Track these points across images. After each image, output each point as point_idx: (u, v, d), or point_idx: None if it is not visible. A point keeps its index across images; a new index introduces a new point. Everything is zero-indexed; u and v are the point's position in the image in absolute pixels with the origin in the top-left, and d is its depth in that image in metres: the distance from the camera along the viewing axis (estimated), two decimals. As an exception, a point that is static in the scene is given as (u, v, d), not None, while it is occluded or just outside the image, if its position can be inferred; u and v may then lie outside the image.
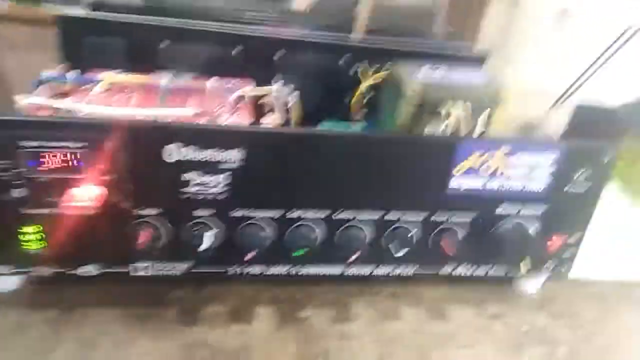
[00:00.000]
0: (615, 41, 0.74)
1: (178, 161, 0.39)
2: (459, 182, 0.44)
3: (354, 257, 0.43)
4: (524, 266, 0.47)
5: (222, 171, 0.40)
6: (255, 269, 0.45)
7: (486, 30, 0.84)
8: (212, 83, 0.50)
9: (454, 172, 0.43)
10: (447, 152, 0.43)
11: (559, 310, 0.51)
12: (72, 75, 0.48)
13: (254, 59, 0.57)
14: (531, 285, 0.52)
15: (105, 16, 0.57)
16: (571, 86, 0.78)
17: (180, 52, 0.56)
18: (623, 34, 0.72)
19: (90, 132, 0.37)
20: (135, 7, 0.62)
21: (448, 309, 0.49)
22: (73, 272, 0.42)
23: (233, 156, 0.40)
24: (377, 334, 0.45)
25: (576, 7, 0.78)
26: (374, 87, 0.57)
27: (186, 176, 0.40)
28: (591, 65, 0.76)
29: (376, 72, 0.57)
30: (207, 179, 0.40)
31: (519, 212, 0.46)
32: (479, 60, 0.63)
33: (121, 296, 0.44)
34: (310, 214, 0.43)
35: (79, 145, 0.37)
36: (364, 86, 0.57)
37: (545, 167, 0.45)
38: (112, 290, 0.44)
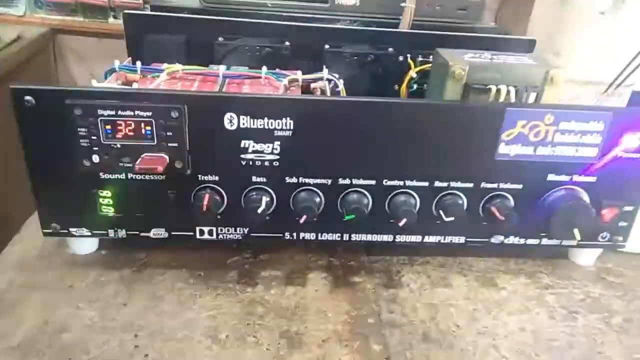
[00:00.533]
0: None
1: (237, 129, 0.42)
2: (508, 148, 0.44)
3: (403, 221, 0.45)
4: (577, 235, 0.47)
5: (277, 139, 0.43)
6: (310, 235, 0.47)
7: (535, 23, 0.83)
8: (265, 71, 0.53)
9: (503, 137, 0.44)
10: (493, 118, 0.43)
11: (614, 282, 0.50)
12: (139, 65, 0.53)
13: (303, 52, 0.60)
14: (587, 257, 0.52)
15: (165, 14, 0.62)
16: (622, 72, 0.75)
17: (233, 47, 0.60)
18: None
19: (158, 101, 0.41)
20: (192, 9, 0.67)
21: (499, 278, 0.49)
22: (145, 234, 0.46)
23: (286, 124, 0.42)
24: (427, 299, 0.46)
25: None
26: (423, 73, 0.58)
27: (245, 143, 0.43)
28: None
29: (425, 58, 0.59)
30: (263, 146, 0.43)
31: (571, 179, 0.46)
32: (526, 47, 0.63)
33: (187, 259, 0.47)
34: (361, 181, 0.45)
35: (149, 114, 0.41)
36: (413, 71, 0.59)
37: (596, 134, 0.44)
38: (179, 254, 0.48)
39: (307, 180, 0.45)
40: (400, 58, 0.61)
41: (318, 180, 0.45)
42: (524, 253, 0.52)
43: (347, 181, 0.45)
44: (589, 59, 0.75)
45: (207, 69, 0.54)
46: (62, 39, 1.05)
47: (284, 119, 0.42)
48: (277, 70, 0.54)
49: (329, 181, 0.45)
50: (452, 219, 0.46)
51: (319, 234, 0.47)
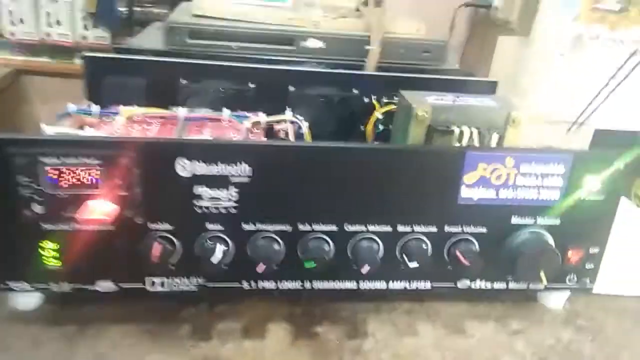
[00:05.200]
0: (622, 66, 0.73)
1: (190, 176, 0.40)
2: (471, 191, 0.44)
3: (366, 268, 0.43)
4: (543, 278, 0.46)
5: (234, 185, 0.41)
6: (270, 284, 0.45)
7: (497, 64, 0.85)
8: (227, 113, 0.52)
9: (465, 180, 0.43)
10: (454, 161, 0.43)
11: (584, 325, 0.49)
12: (95, 108, 0.51)
13: (268, 94, 0.60)
14: (556, 299, 0.51)
15: (126, 56, 0.61)
16: (584, 111, 0.77)
17: (196, 90, 0.59)
18: (630, 57, 0.72)
19: (107, 149, 0.39)
20: (156, 51, 0.66)
21: (467, 324, 0.48)
22: (91, 288, 0.43)
23: (243, 170, 0.41)
24: (394, 349, 0.44)
25: (588, 34, 0.77)
26: (389, 114, 0.58)
27: (199, 190, 0.41)
28: (602, 90, 0.75)
29: (390, 100, 0.59)
30: (218, 193, 0.41)
31: (535, 221, 0.45)
32: (489, 88, 0.64)
33: (136, 312, 0.44)
34: (322, 226, 0.44)
35: (96, 162, 0.39)
36: (378, 112, 0.59)
37: (557, 177, 0.44)
38: (128, 307, 0.45)
39: (265, 227, 0.43)
40: (366, 100, 0.61)
41: (277, 227, 0.43)
42: (493, 297, 0.50)
43: (308, 227, 0.43)
44: (551, 99, 0.76)
45: (167, 111, 0.52)
46: (26, 80, 1.03)
47: (239, 164, 0.41)
48: (240, 112, 0.53)
49: (289, 227, 0.43)
50: (415, 264, 0.44)
51: (280, 283, 0.45)
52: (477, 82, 0.67)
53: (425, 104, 0.48)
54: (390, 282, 0.47)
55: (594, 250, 0.47)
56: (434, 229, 0.45)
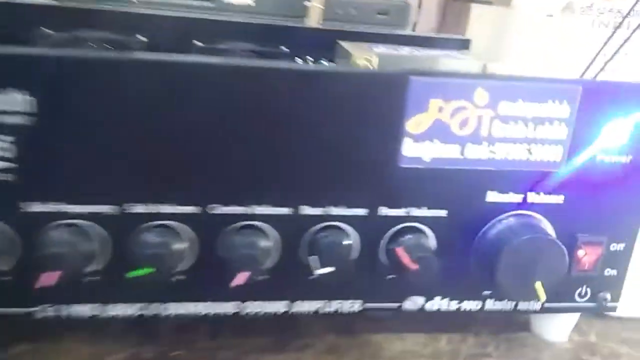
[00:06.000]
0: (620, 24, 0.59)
1: None
2: (419, 148, 0.26)
3: (243, 277, 0.25)
4: (540, 292, 0.28)
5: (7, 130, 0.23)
6: (75, 309, 0.27)
7: (475, 27, 0.70)
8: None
9: (410, 128, 0.26)
10: (391, 95, 0.25)
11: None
12: None
13: (163, 49, 0.43)
14: (558, 328, 0.33)
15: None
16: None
17: (62, 41, 0.42)
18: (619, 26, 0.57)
19: None
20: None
21: (422, 370, 0.30)
22: None
23: (17, 102, 0.23)
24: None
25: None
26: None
27: None
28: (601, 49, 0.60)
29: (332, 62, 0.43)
30: (-30, 142, 0.23)
31: (524, 199, 0.28)
32: (460, 47, 0.49)
33: None
34: (168, 208, 0.26)
35: None
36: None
37: (559, 124, 0.27)
38: None
39: (63, 208, 0.25)
40: (299, 61, 0.45)
41: (87, 209, 0.25)
42: (461, 324, 0.33)
43: (144, 209, 0.25)
44: (531, 64, 0.61)
45: None
46: None
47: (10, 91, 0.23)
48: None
49: (106, 209, 0.25)
50: (331, 269, 0.26)
51: (93, 305, 0.27)
52: (445, 41, 0.51)
53: (369, 52, 0.32)
54: (294, 301, 0.29)
55: (617, 247, 0.30)
56: (361, 212, 0.27)
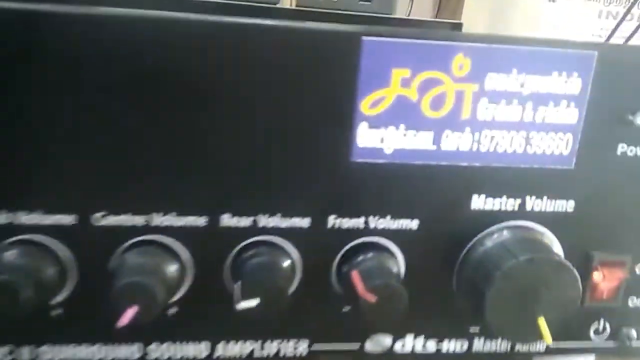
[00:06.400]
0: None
1: None
2: (377, 135, 0.19)
3: (130, 315, 0.18)
4: (544, 330, 0.21)
5: None
6: None
7: (468, 17, 0.64)
8: None
9: (364, 108, 0.19)
10: (337, 62, 0.19)
11: None
12: None
13: None
14: (566, 372, 0.26)
15: None
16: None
17: None
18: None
19: None
20: None
21: None
22: None
23: None
24: None
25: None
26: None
27: None
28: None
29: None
30: None
31: (521, 204, 0.21)
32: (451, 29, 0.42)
33: None
34: (26, 217, 0.19)
35: None
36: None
37: (567, 103, 0.20)
38: None
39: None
40: None
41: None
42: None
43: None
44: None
45: None
46: None
47: None
48: None
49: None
50: (255, 301, 0.19)
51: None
52: (435, 25, 0.45)
53: None
54: (217, 342, 0.21)
55: (644, 267, 0.23)
56: (303, 223, 0.20)
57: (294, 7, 0.46)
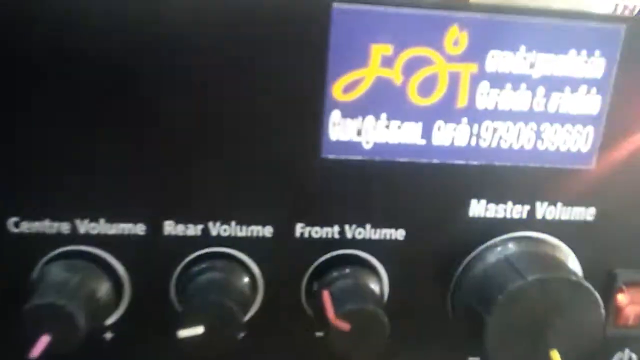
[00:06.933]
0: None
1: None
2: (351, 126, 0.16)
3: (41, 344, 0.15)
4: (558, 363, 0.18)
5: None
6: None
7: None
8: None
9: (336, 94, 0.16)
10: (303, 38, 0.15)
11: None
12: None
13: None
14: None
15: None
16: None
17: None
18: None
19: None
20: None
21: None
22: None
23: None
24: None
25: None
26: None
27: None
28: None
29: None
30: None
31: (530, 210, 0.18)
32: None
33: None
34: None
35: None
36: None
37: (587, 88, 0.17)
38: None
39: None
40: None
41: None
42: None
43: None
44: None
45: None
46: None
47: None
48: None
49: None
50: (199, 329, 0.16)
51: None
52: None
53: None
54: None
55: (680, 289, 0.19)
56: (265, 232, 0.17)
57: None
